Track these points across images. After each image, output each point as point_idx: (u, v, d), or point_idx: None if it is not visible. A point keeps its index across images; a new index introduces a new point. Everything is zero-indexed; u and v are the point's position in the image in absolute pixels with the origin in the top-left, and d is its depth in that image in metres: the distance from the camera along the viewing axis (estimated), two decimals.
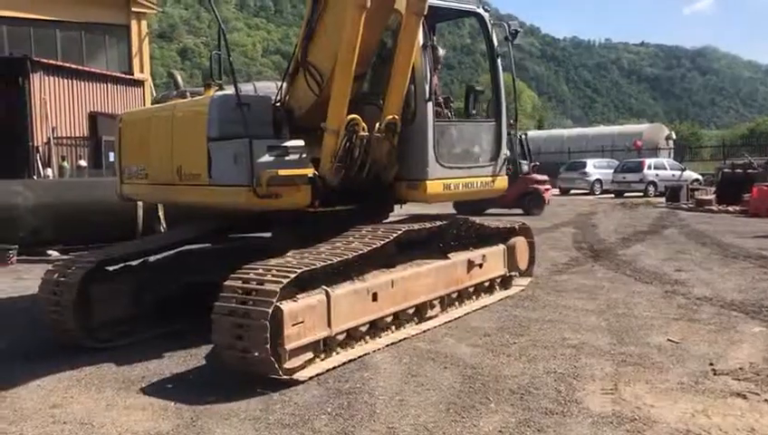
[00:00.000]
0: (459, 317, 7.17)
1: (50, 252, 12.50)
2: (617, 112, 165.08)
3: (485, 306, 7.70)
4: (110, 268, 6.88)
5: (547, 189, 21.11)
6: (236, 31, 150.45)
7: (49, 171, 21.60)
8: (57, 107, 23.33)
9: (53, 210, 12.80)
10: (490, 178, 7.83)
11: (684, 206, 22.99)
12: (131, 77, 28.08)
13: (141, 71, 28.92)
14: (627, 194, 30.87)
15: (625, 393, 4.79)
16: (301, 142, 6.49)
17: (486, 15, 7.89)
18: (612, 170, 33.03)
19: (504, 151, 7.97)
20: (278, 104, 6.87)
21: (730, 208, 20.57)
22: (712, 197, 22.79)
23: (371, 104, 6.97)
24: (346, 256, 5.74)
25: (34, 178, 20.44)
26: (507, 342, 6.20)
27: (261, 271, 5.29)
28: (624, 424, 4.24)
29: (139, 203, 13.26)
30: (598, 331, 6.54)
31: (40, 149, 22.22)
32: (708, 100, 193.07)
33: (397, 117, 6.73)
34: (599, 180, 33.43)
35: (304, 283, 5.39)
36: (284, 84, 6.92)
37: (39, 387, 5.23)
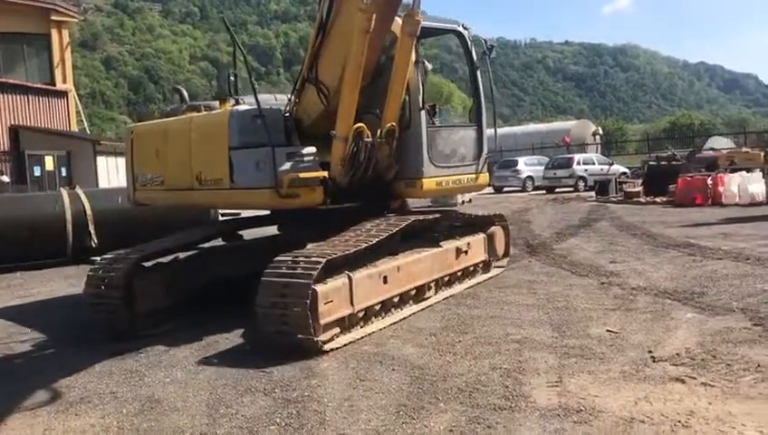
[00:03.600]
0: (451, 295, 8.15)
1: None
2: (544, 111, 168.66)
3: (471, 287, 8.63)
4: (146, 264, 7.59)
5: None
6: (162, 38, 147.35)
7: None
8: None
9: None
10: (474, 175, 8.81)
11: (613, 199, 23.67)
12: (54, 88, 27.16)
13: (64, 81, 27.99)
14: (558, 190, 31.62)
15: (570, 385, 4.88)
16: (313, 149, 7.35)
17: (466, 33, 8.80)
18: (543, 167, 33.77)
19: (486, 152, 8.95)
20: (287, 115, 7.70)
21: (657, 199, 21.30)
22: (639, 189, 23.54)
23: (369, 113, 7.72)
24: (371, 242, 6.72)
25: None
26: (452, 340, 6.24)
27: (302, 255, 6.23)
28: (571, 416, 4.32)
29: (69, 219, 12.89)
30: (539, 325, 6.65)
31: None
32: (631, 95, 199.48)
33: (395, 124, 7.64)
34: (530, 177, 34.13)
35: (330, 270, 6.20)
36: (293, 97, 7.78)
37: None
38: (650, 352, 5.54)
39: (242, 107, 7.53)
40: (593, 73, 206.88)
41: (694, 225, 14.45)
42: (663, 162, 25.86)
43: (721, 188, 19.44)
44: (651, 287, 8.11)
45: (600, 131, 51.61)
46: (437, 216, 8.54)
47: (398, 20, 7.36)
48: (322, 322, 5.97)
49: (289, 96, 7.96)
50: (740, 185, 19.41)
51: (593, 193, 26.06)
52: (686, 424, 4.08)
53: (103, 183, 24.56)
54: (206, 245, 8.78)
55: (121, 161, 29.45)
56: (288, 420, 4.53)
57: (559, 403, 4.54)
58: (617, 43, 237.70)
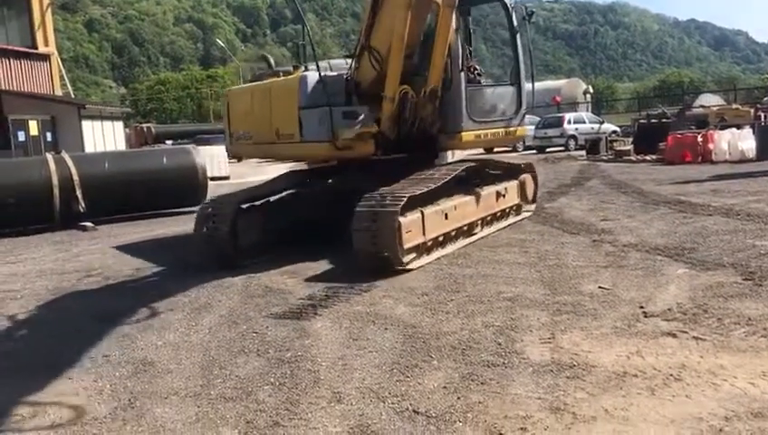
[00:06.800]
0: (495, 232, 9.42)
1: None
2: (535, 70, 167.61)
3: (509, 225, 9.93)
4: (244, 206, 8.76)
5: None
6: (144, 0, 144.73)
7: None
8: None
9: None
10: (512, 129, 9.96)
11: (604, 157, 23.65)
12: (36, 51, 26.61)
13: (46, 44, 27.38)
14: (549, 149, 31.52)
15: (562, 341, 4.89)
16: (366, 107, 8.60)
17: (508, 1, 9.91)
18: (534, 127, 33.58)
19: (525, 107, 10.11)
20: (348, 79, 8.94)
21: (647, 157, 21.29)
22: (630, 147, 23.52)
23: (420, 75, 8.74)
24: (442, 182, 8.14)
25: None
26: (445, 299, 6.24)
27: (387, 193, 7.54)
28: (564, 371, 4.34)
29: (55, 184, 12.80)
30: (531, 283, 6.66)
31: None
32: (621, 54, 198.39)
33: (437, 84, 8.65)
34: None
35: (406, 207, 7.35)
36: (353, 63, 8.99)
37: None
38: (642, 307, 5.57)
39: (310, 73, 8.84)
40: (583, 32, 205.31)
41: (684, 182, 14.46)
42: (653, 120, 25.83)
43: (711, 146, 19.41)
44: (642, 244, 8.13)
45: (591, 90, 51.37)
46: (477, 164, 9.81)
47: None
48: (405, 247, 7.27)
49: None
50: (730, 142, 19.37)
51: (584, 152, 26.00)
52: (678, 377, 4.11)
53: (89, 148, 24.27)
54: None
55: (108, 125, 28.95)
56: (282, 379, 4.53)
57: (552, 359, 4.55)
58: (606, 1, 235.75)
